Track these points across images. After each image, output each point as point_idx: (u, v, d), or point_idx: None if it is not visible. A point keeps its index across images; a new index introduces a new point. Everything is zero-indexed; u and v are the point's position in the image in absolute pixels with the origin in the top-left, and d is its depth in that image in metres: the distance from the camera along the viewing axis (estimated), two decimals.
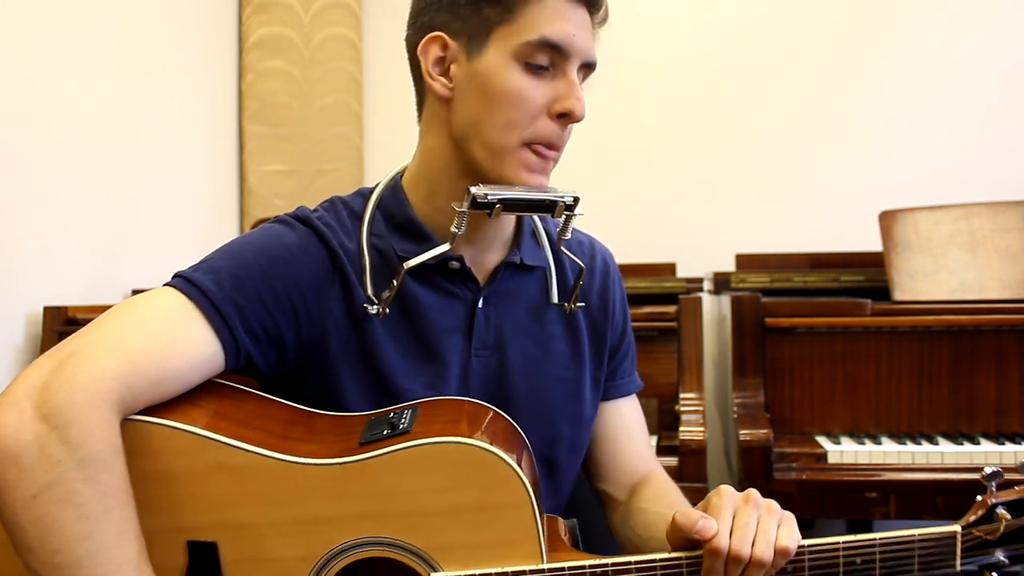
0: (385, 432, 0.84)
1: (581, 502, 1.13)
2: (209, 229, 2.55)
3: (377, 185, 1.01)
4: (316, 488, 0.82)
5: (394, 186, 1.00)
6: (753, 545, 0.79)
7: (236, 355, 0.89)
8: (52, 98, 1.89)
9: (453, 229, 0.88)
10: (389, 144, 2.73)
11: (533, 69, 0.89)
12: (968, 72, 2.42)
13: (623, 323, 1.12)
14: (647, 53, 2.59)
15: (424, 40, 0.93)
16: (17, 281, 1.81)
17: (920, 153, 2.45)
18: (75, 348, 0.80)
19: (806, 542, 0.82)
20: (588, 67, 0.94)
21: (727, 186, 2.54)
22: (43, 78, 1.86)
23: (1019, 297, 1.72)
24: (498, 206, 0.86)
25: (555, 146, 0.92)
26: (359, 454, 0.82)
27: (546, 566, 0.82)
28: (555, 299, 1.02)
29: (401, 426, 0.84)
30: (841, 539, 0.81)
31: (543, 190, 0.90)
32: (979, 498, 0.83)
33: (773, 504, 0.83)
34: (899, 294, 1.77)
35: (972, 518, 0.82)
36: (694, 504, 0.91)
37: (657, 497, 1.02)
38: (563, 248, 1.01)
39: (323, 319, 0.93)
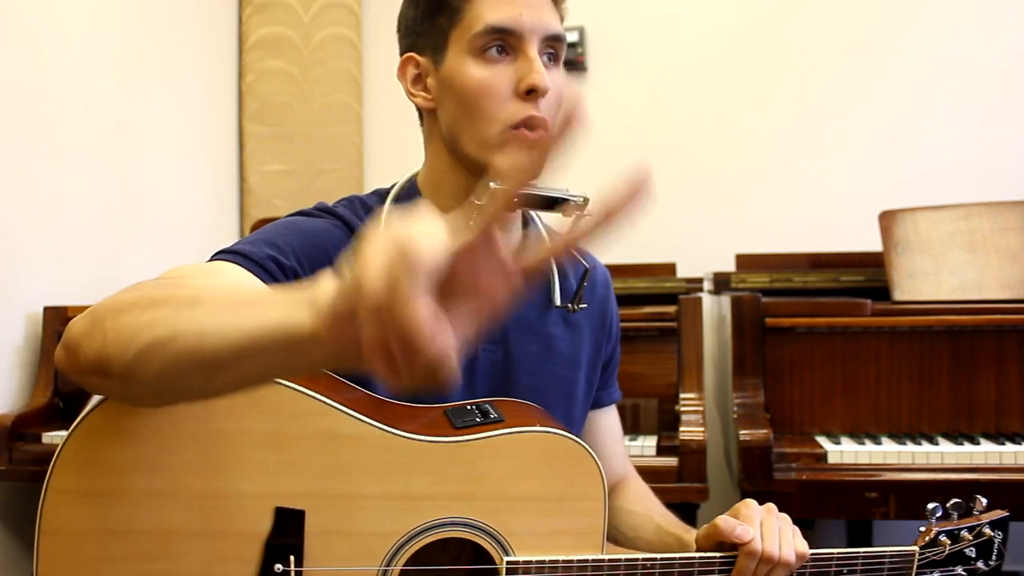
0: (478, 420, 0.88)
1: None
2: (209, 229, 2.55)
3: (393, 186, 1.06)
4: (418, 464, 0.84)
5: (410, 186, 1.04)
6: (780, 548, 0.91)
7: None
8: (52, 98, 1.89)
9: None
10: (389, 144, 2.73)
11: (490, 58, 0.93)
12: (968, 72, 2.42)
13: (617, 335, 1.19)
14: (648, 53, 2.59)
15: (399, 64, 1.01)
16: (17, 281, 1.81)
17: (920, 153, 2.45)
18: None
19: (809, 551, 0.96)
20: (553, 40, 0.96)
21: (727, 186, 2.54)
22: (43, 78, 1.86)
23: (1019, 297, 1.72)
24: (515, 200, 0.88)
25: (535, 125, 0.93)
26: (459, 435, 0.85)
27: (606, 557, 0.88)
28: (557, 301, 1.05)
29: (492, 415, 0.89)
30: (835, 551, 0.98)
31: (552, 188, 0.92)
32: (921, 529, 1.05)
33: (786, 517, 0.96)
34: (899, 294, 1.77)
35: (922, 542, 1.04)
36: (676, 511, 1.05)
37: (638, 499, 1.14)
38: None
39: None
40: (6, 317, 1.80)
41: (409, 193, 1.03)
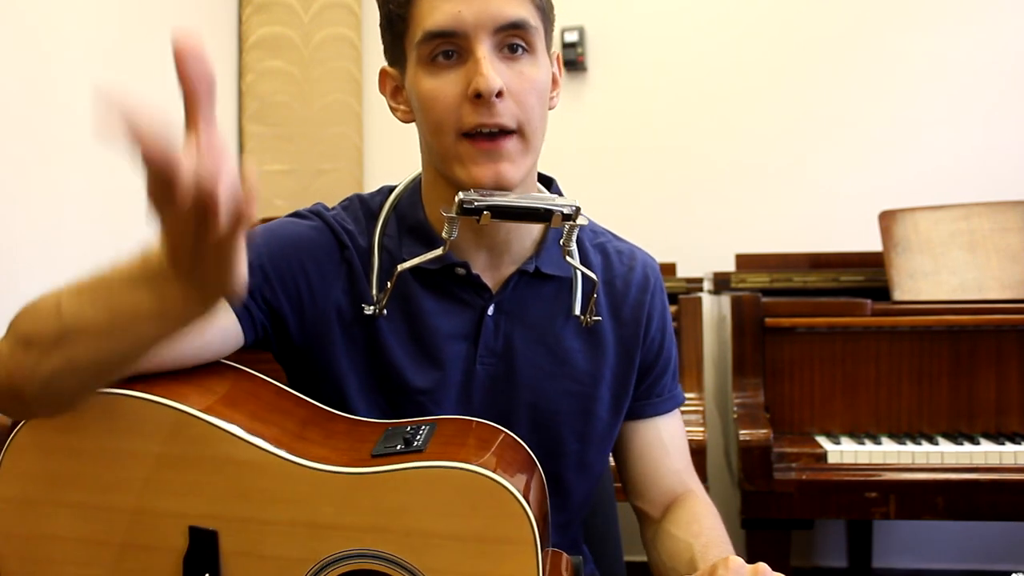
0: (399, 447, 0.83)
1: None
2: None
3: (399, 184, 1.02)
4: (322, 494, 0.81)
5: (413, 188, 1.00)
6: None
7: (252, 324, 0.90)
8: (52, 98, 1.89)
9: (444, 235, 0.86)
10: (389, 144, 2.73)
11: (440, 65, 0.87)
12: (968, 73, 2.42)
13: (661, 339, 1.06)
14: (647, 53, 2.59)
15: (379, 79, 0.97)
16: (17, 281, 1.80)
17: (920, 153, 2.45)
18: None
19: None
20: (511, 29, 0.86)
21: (727, 186, 2.54)
22: (43, 78, 1.86)
23: (1019, 297, 1.72)
24: (486, 213, 0.83)
25: (489, 127, 0.86)
26: (370, 466, 0.82)
27: None
28: (577, 311, 0.98)
29: (415, 443, 0.83)
30: None
31: (536, 198, 0.86)
32: None
33: None
34: (899, 294, 1.77)
35: None
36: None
37: (688, 523, 0.98)
38: (568, 259, 0.94)
39: (327, 309, 0.94)
40: (6, 317, 1.79)
41: (411, 196, 0.99)
